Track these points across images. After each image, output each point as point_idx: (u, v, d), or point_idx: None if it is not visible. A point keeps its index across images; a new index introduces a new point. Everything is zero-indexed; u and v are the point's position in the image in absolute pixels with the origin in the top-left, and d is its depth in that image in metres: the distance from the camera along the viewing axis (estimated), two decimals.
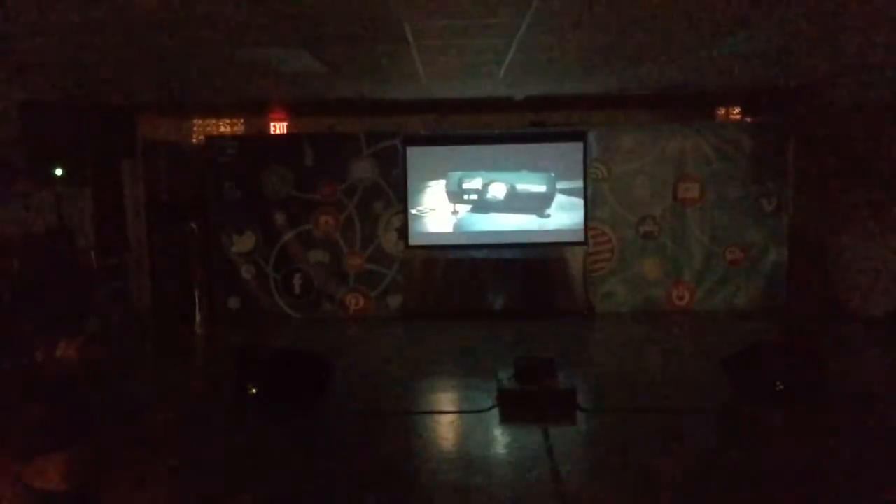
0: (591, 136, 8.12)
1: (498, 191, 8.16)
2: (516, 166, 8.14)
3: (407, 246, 8.23)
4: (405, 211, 8.20)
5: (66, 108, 4.88)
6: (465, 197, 8.19)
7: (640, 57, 5.66)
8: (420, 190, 8.24)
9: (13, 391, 1.69)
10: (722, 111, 9.25)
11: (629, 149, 8.09)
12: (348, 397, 5.37)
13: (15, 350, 6.21)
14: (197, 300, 8.72)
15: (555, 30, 4.55)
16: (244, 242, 8.26)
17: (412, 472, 4.12)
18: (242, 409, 5.11)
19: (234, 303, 8.30)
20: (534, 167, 8.13)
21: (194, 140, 9.80)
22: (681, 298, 8.17)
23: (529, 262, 8.24)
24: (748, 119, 8.97)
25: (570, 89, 7.62)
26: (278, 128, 9.35)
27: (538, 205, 8.15)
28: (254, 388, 5.16)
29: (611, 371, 6.00)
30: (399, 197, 8.19)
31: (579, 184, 8.09)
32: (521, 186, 8.16)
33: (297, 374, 5.20)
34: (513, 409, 4.99)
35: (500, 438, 4.64)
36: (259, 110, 9.12)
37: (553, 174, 8.12)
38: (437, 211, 8.25)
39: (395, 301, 8.29)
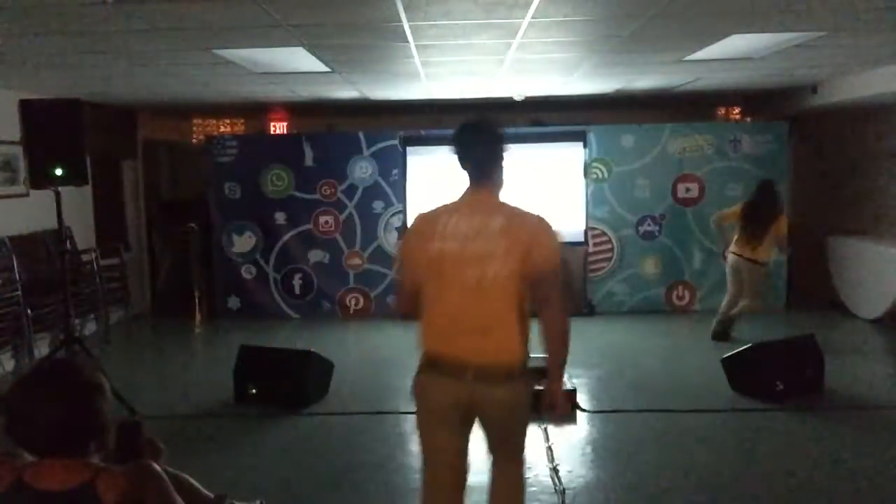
0: (591, 136, 8.12)
1: None
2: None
3: None
4: (405, 211, 8.20)
5: (66, 107, 4.87)
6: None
7: (639, 57, 5.66)
8: (420, 190, 8.23)
9: (15, 390, 1.68)
10: (722, 111, 9.26)
11: (629, 149, 8.09)
12: (348, 397, 5.37)
13: (16, 349, 6.22)
14: (197, 300, 8.73)
15: (555, 30, 4.55)
16: (244, 242, 8.26)
17: (412, 472, 4.12)
18: (242, 409, 5.11)
19: (234, 303, 8.31)
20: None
21: (194, 140, 9.82)
22: (681, 298, 8.17)
23: None
24: (748, 119, 8.98)
25: (570, 89, 7.62)
26: (278, 128, 9.36)
27: None
28: (254, 388, 5.17)
29: (611, 371, 6.00)
30: (399, 197, 8.19)
31: (580, 184, 8.09)
32: None
33: (298, 373, 5.20)
34: None
35: None
36: (259, 110, 9.13)
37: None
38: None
39: (395, 301, 8.29)
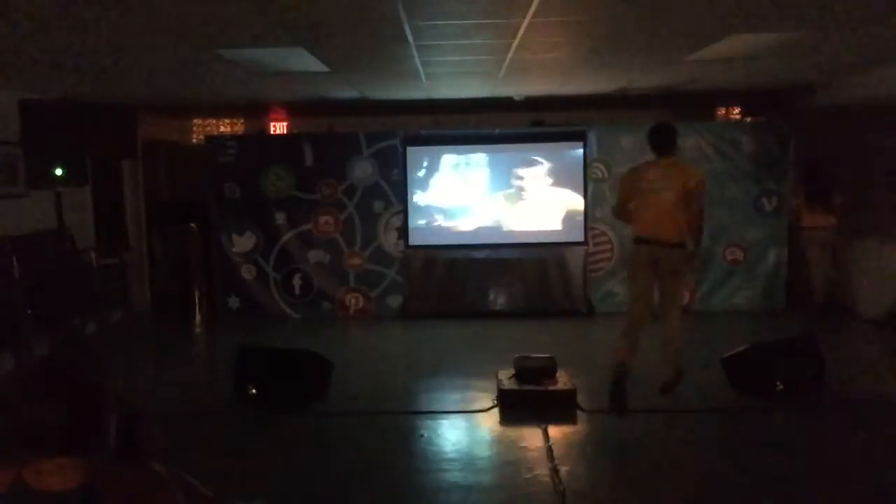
0: (591, 136, 8.11)
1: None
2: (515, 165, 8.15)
3: (407, 246, 8.23)
4: (405, 211, 8.20)
5: (66, 107, 4.88)
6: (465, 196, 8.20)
7: (639, 57, 5.66)
8: (420, 190, 8.24)
9: (15, 390, 1.68)
10: (722, 111, 9.26)
11: (629, 149, 8.07)
12: (348, 397, 5.37)
13: (16, 349, 6.22)
14: (197, 300, 8.73)
15: (555, 29, 4.55)
16: (244, 242, 8.26)
17: (412, 472, 4.12)
18: (242, 409, 5.11)
19: (234, 303, 8.30)
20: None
21: (194, 140, 9.82)
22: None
23: (529, 262, 8.24)
24: (748, 119, 8.97)
25: (570, 89, 7.61)
26: (278, 128, 9.36)
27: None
28: (254, 388, 5.16)
29: (611, 371, 5.98)
30: (399, 197, 8.19)
31: (579, 184, 8.09)
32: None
33: (297, 374, 5.20)
34: (513, 409, 4.99)
35: (500, 438, 4.64)
36: (259, 110, 9.12)
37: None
38: (437, 210, 8.25)
39: (395, 301, 8.29)
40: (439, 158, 8.25)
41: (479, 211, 8.22)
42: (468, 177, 8.22)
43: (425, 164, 8.24)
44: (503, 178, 8.18)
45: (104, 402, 1.69)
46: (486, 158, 8.21)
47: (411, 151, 8.21)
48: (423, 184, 8.24)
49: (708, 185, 7.99)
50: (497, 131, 8.39)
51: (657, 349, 5.02)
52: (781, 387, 5.02)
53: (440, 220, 8.25)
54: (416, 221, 8.24)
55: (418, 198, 8.24)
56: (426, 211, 8.25)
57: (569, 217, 8.15)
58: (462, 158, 8.23)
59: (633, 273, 4.86)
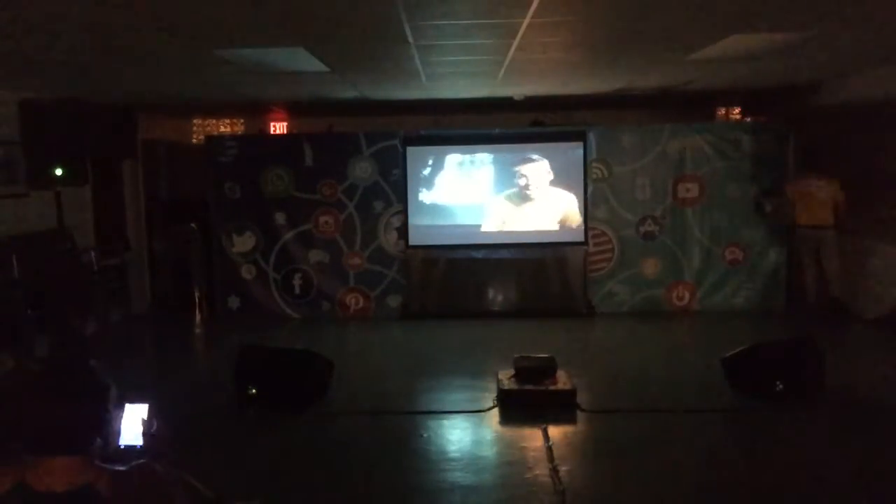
0: (591, 136, 8.11)
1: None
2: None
3: (407, 246, 8.23)
4: (405, 211, 8.19)
5: (66, 107, 4.87)
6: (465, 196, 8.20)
7: (639, 57, 5.66)
8: (420, 190, 8.24)
9: (15, 390, 1.69)
10: (722, 111, 9.26)
11: (629, 149, 8.08)
12: (348, 397, 5.37)
13: (16, 349, 6.22)
14: (197, 300, 8.73)
15: (555, 30, 4.55)
16: (244, 242, 8.25)
17: (412, 472, 4.12)
18: (242, 410, 5.11)
19: (234, 303, 8.30)
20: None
21: (194, 140, 9.83)
22: (681, 298, 8.17)
23: (529, 262, 8.24)
24: (748, 119, 8.98)
25: (570, 89, 7.61)
26: (278, 128, 9.36)
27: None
28: (254, 388, 5.16)
29: (611, 371, 6.00)
30: (399, 197, 8.19)
31: (579, 184, 8.09)
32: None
33: (297, 374, 5.20)
34: (513, 409, 4.99)
35: (500, 438, 4.65)
36: (259, 110, 9.13)
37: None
38: (440, 209, 8.24)
39: (395, 301, 8.29)
40: (444, 157, 8.24)
41: (481, 210, 8.21)
42: (473, 176, 8.21)
43: (431, 161, 8.22)
44: (507, 177, 8.17)
45: (104, 402, 1.69)
46: (491, 157, 8.21)
47: (411, 151, 8.20)
48: (429, 182, 8.23)
49: (708, 186, 8.25)
50: (497, 131, 8.39)
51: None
52: (781, 387, 5.02)
53: (442, 220, 8.24)
54: (419, 220, 8.23)
55: (424, 196, 8.21)
56: (430, 209, 8.23)
57: (568, 217, 8.14)
58: (467, 157, 8.22)
59: (800, 248, 7.52)
